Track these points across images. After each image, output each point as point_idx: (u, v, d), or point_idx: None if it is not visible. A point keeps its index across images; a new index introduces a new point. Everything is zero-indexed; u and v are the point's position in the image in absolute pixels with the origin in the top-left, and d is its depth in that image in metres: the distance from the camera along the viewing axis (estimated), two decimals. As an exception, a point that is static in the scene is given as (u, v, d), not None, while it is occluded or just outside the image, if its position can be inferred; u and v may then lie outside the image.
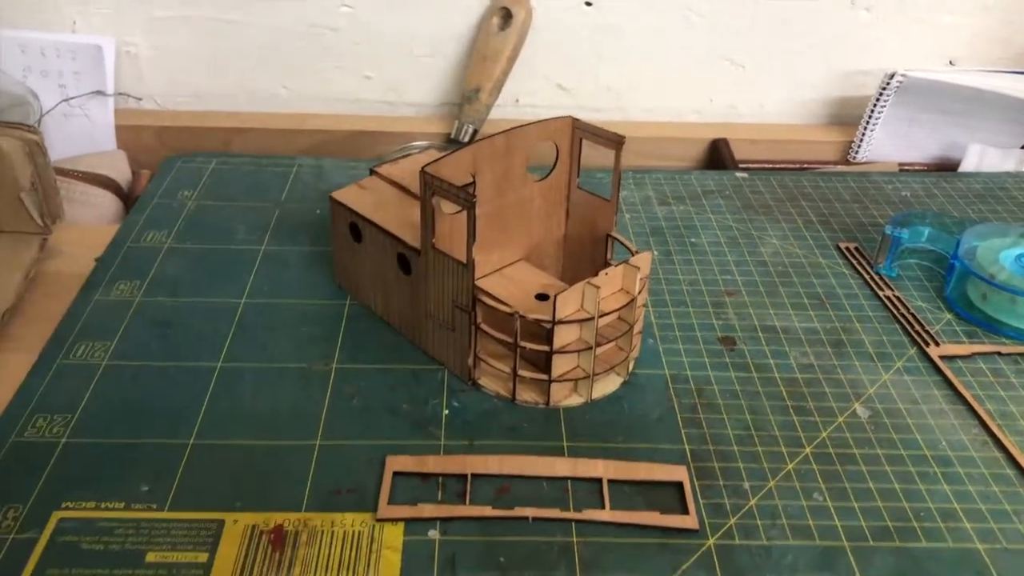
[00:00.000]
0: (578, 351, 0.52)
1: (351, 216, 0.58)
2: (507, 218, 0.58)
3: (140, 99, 0.88)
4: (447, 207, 0.53)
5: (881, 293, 0.65)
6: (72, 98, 0.80)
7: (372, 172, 0.63)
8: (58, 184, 0.64)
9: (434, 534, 0.45)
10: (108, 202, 0.75)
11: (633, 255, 0.53)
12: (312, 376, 0.55)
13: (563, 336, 0.51)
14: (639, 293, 0.53)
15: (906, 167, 0.88)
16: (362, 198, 0.59)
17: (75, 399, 0.52)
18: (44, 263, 0.64)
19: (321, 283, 0.64)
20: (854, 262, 0.69)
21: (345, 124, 0.89)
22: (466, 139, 0.86)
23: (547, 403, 0.54)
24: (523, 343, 0.51)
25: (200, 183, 0.76)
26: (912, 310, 0.63)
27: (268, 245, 0.68)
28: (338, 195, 0.59)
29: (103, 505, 0.46)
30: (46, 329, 0.58)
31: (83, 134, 0.82)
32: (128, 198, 0.79)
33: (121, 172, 0.79)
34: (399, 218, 0.57)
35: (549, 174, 0.58)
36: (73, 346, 0.56)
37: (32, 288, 0.61)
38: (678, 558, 0.45)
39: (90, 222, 0.73)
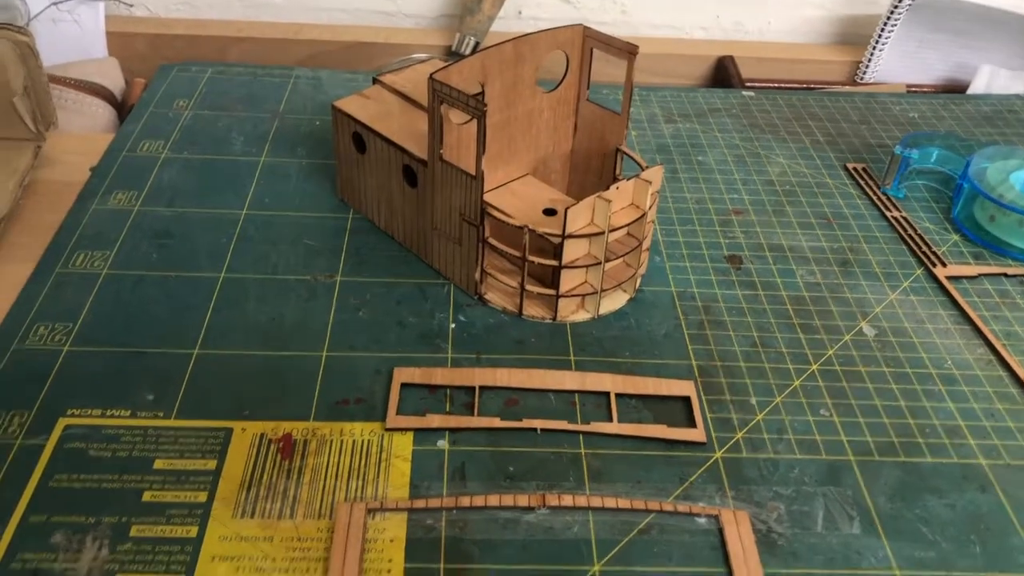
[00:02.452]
0: (586, 266, 0.52)
1: (354, 126, 0.57)
2: (514, 131, 0.57)
3: (132, 5, 0.85)
4: (456, 117, 0.52)
5: (888, 214, 0.64)
6: (60, 2, 0.78)
7: (375, 81, 0.61)
8: (50, 90, 0.62)
9: (443, 444, 0.45)
10: (101, 111, 0.73)
11: (644, 170, 0.52)
12: (317, 287, 0.54)
13: (572, 251, 0.51)
14: (649, 208, 0.52)
15: (914, 88, 0.87)
16: (366, 107, 0.57)
17: (76, 308, 0.52)
18: (38, 171, 0.62)
19: (322, 196, 0.63)
20: (861, 182, 0.68)
21: (342, 35, 0.86)
22: (467, 52, 0.84)
23: (554, 318, 0.53)
24: (531, 257, 0.51)
25: (196, 92, 0.74)
26: (919, 231, 0.63)
27: (267, 156, 0.66)
28: (341, 104, 0.58)
29: (108, 413, 0.46)
30: (43, 238, 0.57)
31: (73, 41, 0.79)
32: (122, 107, 0.77)
33: (114, 80, 0.77)
34: (404, 128, 0.55)
35: (558, 86, 0.57)
36: (72, 255, 0.55)
37: (27, 197, 0.60)
38: (685, 470, 0.45)
39: (83, 131, 0.71)
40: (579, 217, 0.50)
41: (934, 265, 0.59)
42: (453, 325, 0.53)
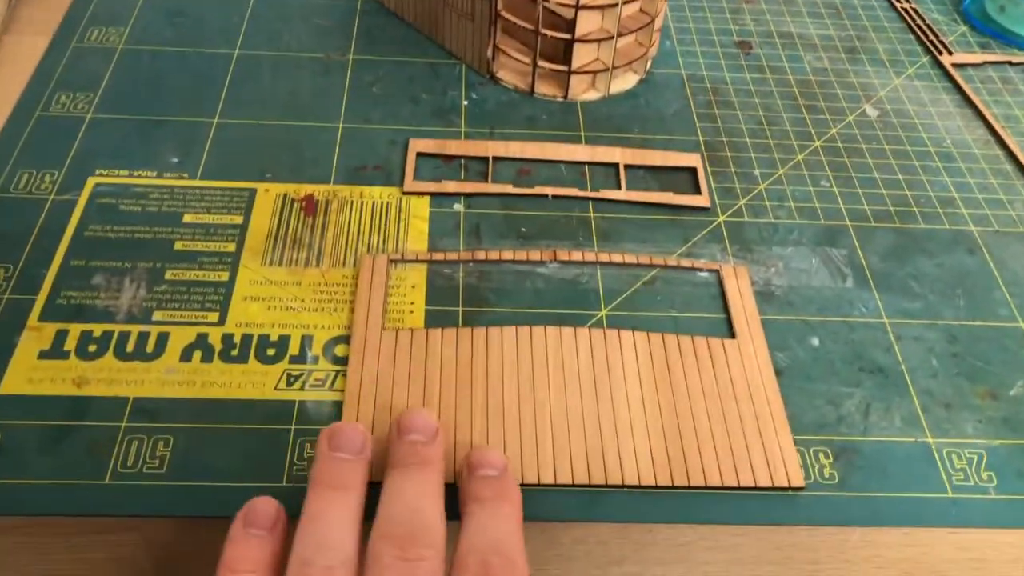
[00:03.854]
0: (599, 41, 0.52)
1: (365, -100, 0.56)
2: (527, -94, 0.56)
3: None
4: None
5: (898, 4, 0.64)
6: None
7: None
8: None
9: (458, 207, 0.47)
10: None
11: (658, -56, 0.52)
12: (330, 65, 0.55)
13: (585, 24, 0.51)
14: (662, -17, 0.52)
15: None
16: None
17: (95, 79, 0.52)
18: (43, -50, 0.61)
19: (332, -21, 0.62)
20: (874, -25, 0.67)
21: None
22: None
23: (565, 96, 0.54)
24: (544, 31, 0.51)
25: None
26: (928, 21, 0.63)
27: (274, -59, 0.65)
28: None
29: (135, 173, 0.47)
30: (55, 14, 0.57)
31: None
32: None
33: None
34: (416, -99, 0.54)
35: None
36: (86, 30, 0.56)
37: (35, -26, 0.59)
38: (689, 232, 0.47)
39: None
40: (592, -12, 0.50)
41: (940, 53, 0.60)
42: (466, 102, 0.54)
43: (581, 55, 0.53)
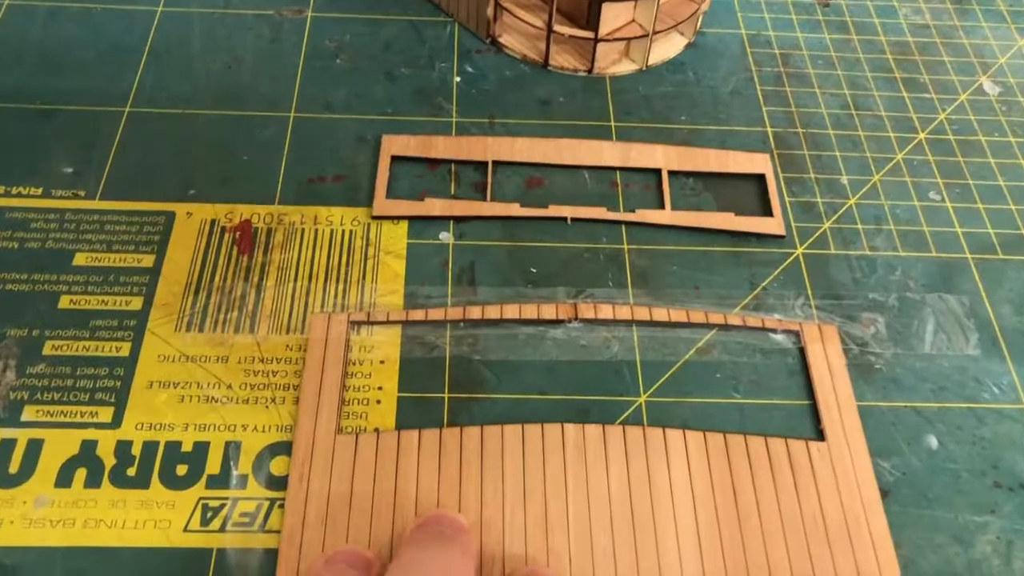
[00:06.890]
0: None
1: None
2: None
3: None
4: None
5: (1019, -66, 0.50)
6: None
7: None
8: None
9: (446, 237, 0.35)
10: None
11: None
12: (282, 25, 0.42)
13: (617, -23, 0.38)
14: (723, -82, 0.39)
15: None
16: None
17: (-30, 51, 0.40)
18: None
19: (290, -96, 0.49)
20: None
21: None
22: None
23: (590, 70, 0.42)
24: (562, -14, 0.38)
25: None
26: (1058, -43, 0.49)
27: None
28: None
29: (14, 191, 0.36)
30: (-72, -43, 0.44)
31: None
32: None
33: None
34: None
35: None
36: (-36, -20, 0.43)
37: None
38: (757, 272, 0.35)
39: None
40: (629, -71, 0.37)
41: (1077, 2, 0.46)
42: (458, 79, 0.41)
43: (611, 16, 0.40)
